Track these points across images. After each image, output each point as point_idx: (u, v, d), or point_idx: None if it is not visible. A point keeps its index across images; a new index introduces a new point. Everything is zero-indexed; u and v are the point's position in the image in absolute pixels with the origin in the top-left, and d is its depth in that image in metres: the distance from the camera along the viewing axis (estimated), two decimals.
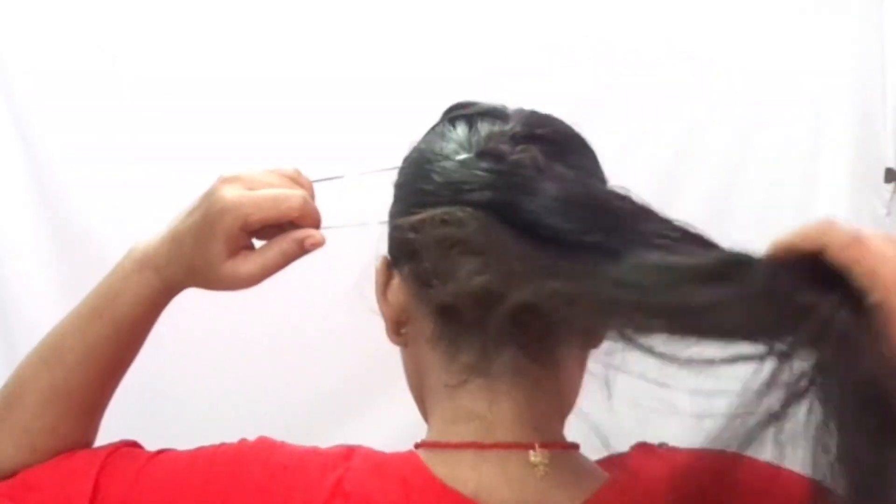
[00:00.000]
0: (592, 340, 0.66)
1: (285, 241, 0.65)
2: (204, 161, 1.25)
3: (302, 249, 0.65)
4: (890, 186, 1.35)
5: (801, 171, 1.37)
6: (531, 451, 0.60)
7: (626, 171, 1.26)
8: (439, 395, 0.64)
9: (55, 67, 1.26)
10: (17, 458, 0.67)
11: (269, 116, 1.26)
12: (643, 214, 0.60)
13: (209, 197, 0.65)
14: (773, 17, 1.33)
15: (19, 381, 0.70)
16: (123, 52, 1.27)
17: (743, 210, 1.35)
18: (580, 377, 0.67)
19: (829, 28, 1.34)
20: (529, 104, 0.69)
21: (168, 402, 1.22)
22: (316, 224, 0.66)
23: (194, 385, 1.24)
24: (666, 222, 0.60)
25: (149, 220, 1.21)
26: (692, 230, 0.59)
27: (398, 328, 0.67)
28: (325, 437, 0.68)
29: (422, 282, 0.63)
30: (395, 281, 0.66)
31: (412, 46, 1.28)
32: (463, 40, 1.28)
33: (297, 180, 0.68)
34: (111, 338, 0.69)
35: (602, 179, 0.68)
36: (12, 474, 0.67)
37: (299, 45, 1.28)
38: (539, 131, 0.64)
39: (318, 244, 0.65)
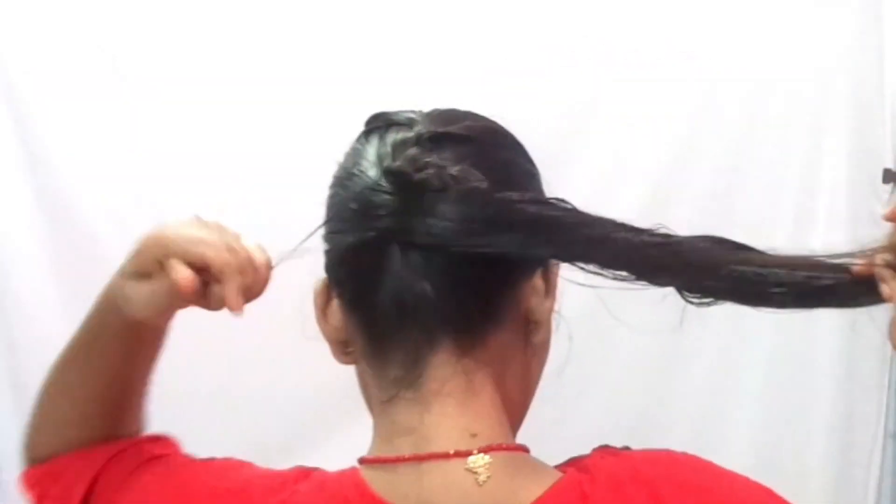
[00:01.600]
0: (535, 331, 0.65)
1: (174, 272, 0.62)
2: (204, 160, 1.26)
3: (191, 292, 0.62)
4: (888, 187, 1.36)
5: (800, 172, 1.37)
6: (469, 458, 0.60)
7: (625, 171, 1.29)
8: (377, 410, 0.64)
9: (55, 67, 1.26)
10: (52, 447, 0.73)
11: (268, 116, 1.26)
12: (568, 219, 0.60)
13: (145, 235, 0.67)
14: (773, 19, 1.33)
15: (46, 396, 0.75)
16: (123, 52, 1.27)
17: (742, 209, 1.36)
18: (526, 372, 0.66)
19: (829, 29, 1.34)
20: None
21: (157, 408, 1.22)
22: (246, 281, 0.64)
23: (187, 390, 1.24)
24: (595, 221, 0.60)
25: (149, 220, 1.23)
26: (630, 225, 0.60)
27: (343, 348, 0.66)
28: (315, 448, 0.68)
29: (348, 302, 0.64)
30: (335, 302, 0.65)
31: (413, 46, 1.28)
32: (463, 40, 1.28)
33: (232, 246, 0.64)
34: (106, 372, 0.72)
35: (527, 170, 0.66)
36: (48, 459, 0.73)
37: (300, 45, 1.28)
38: (449, 129, 0.63)
39: (225, 304, 0.63)
